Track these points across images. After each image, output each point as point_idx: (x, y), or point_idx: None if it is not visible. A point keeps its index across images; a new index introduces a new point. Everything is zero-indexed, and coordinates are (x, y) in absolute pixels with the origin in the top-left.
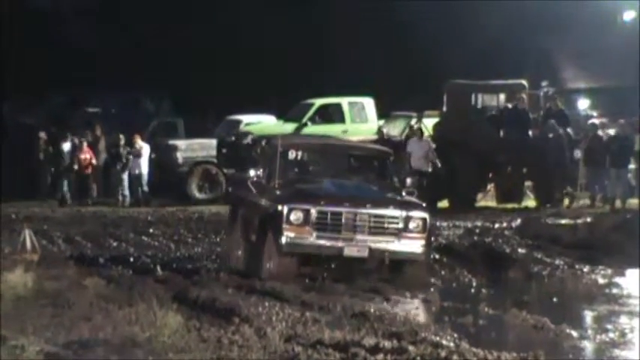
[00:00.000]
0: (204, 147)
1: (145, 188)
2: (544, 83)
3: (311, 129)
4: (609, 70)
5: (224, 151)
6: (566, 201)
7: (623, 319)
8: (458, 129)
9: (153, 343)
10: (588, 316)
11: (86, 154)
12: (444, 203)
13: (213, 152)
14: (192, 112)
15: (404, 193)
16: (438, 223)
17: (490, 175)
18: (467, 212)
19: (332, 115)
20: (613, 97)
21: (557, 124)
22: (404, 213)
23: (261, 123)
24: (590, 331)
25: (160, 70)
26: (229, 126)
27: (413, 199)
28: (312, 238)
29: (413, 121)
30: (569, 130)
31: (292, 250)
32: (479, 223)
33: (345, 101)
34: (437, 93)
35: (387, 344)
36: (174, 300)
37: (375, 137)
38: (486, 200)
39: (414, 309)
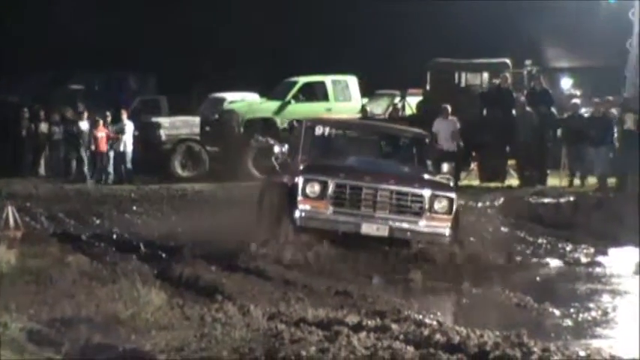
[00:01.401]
0: (187, 124)
1: (129, 166)
2: (528, 62)
3: (294, 107)
4: (594, 49)
5: (207, 128)
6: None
7: (605, 298)
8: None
9: (136, 321)
10: (571, 294)
11: (102, 132)
12: None
13: (197, 130)
14: (175, 90)
15: (439, 177)
16: None
17: (473, 154)
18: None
19: (316, 93)
20: (597, 76)
21: (541, 102)
22: (429, 192)
23: (244, 100)
24: (572, 310)
25: (145, 47)
26: (213, 103)
27: (439, 178)
28: (328, 213)
29: (396, 100)
30: (552, 109)
31: (307, 224)
32: (462, 202)
33: (328, 79)
34: (420, 71)
35: (370, 322)
36: (157, 277)
37: (358, 115)
38: (470, 179)
39: (397, 287)
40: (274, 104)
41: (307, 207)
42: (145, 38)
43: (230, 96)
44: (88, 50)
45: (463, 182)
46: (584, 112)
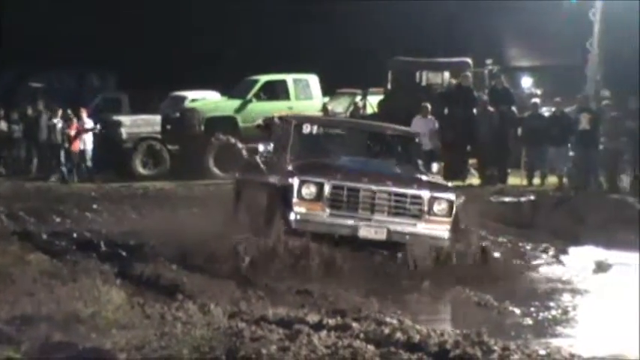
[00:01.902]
0: (148, 123)
1: (89, 164)
2: (489, 61)
3: (255, 105)
4: (554, 49)
5: (168, 127)
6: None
7: (566, 297)
8: (402, 106)
9: (96, 319)
10: (531, 293)
11: (72, 130)
12: None
13: (158, 128)
14: (137, 88)
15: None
16: None
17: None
18: None
19: (277, 91)
20: (557, 75)
21: (502, 101)
22: (428, 193)
23: (205, 99)
24: (532, 309)
25: (106, 44)
26: (174, 102)
27: (439, 179)
28: (324, 216)
29: (357, 99)
30: (513, 108)
31: (302, 227)
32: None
33: (290, 78)
34: (382, 70)
35: (330, 321)
36: (118, 276)
37: (320, 114)
38: None
39: (357, 286)
40: (235, 103)
41: (302, 209)
42: (106, 35)
43: (191, 94)
44: (51, 48)
45: None
46: (545, 111)
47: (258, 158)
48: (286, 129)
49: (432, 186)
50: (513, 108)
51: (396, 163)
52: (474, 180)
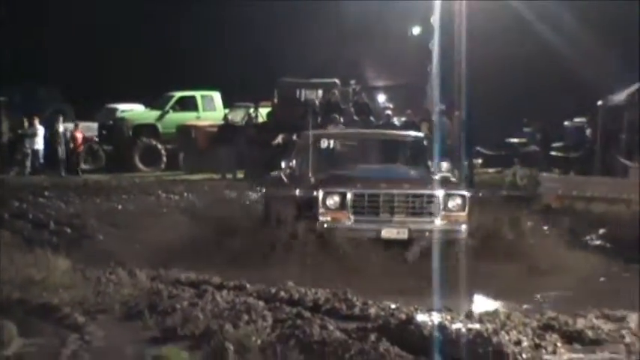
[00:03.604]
0: (89, 129)
1: (41, 161)
2: (352, 81)
3: (172, 116)
4: (403, 71)
5: (104, 132)
6: None
7: None
8: (286, 116)
9: (46, 282)
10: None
11: (79, 134)
12: (274, 173)
13: (96, 133)
14: (78, 100)
15: (439, 175)
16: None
17: None
18: None
19: (188, 104)
20: (405, 92)
21: (363, 113)
22: (442, 191)
23: (133, 110)
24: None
25: (52, 62)
26: (108, 112)
27: (450, 177)
28: (349, 222)
29: (251, 110)
30: (371, 118)
31: (329, 235)
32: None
33: (198, 94)
34: (270, 88)
35: (230, 283)
36: (64, 248)
37: (222, 122)
38: None
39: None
40: (156, 113)
41: (329, 218)
42: (52, 54)
43: (121, 106)
44: (11, 64)
45: None
46: (395, 120)
47: (282, 174)
48: (304, 145)
49: (446, 185)
50: (372, 118)
51: (409, 167)
52: None
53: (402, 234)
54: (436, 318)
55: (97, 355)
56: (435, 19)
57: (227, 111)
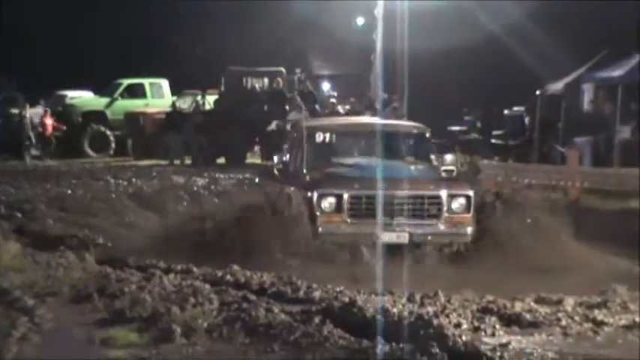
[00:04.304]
0: (38, 115)
1: None
2: (297, 70)
3: (121, 103)
4: (347, 60)
5: (54, 118)
6: None
7: None
8: (233, 104)
9: None
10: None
11: (48, 120)
12: (221, 160)
13: (38, 119)
14: (28, 87)
15: (442, 170)
16: (217, 175)
17: (257, 139)
18: (239, 167)
19: (137, 92)
20: (349, 81)
21: (308, 101)
22: (445, 192)
23: (82, 97)
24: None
25: (3, 49)
26: (57, 99)
27: (454, 176)
28: (345, 225)
29: (199, 98)
30: (317, 106)
31: (325, 239)
32: (248, 175)
33: (147, 82)
34: (217, 76)
35: (178, 267)
36: (14, 232)
37: (169, 109)
38: (254, 158)
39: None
40: (105, 100)
41: (324, 221)
42: (0, 41)
43: (71, 93)
44: None
45: (249, 160)
46: (340, 108)
47: (274, 170)
48: (299, 137)
49: (449, 184)
50: (317, 106)
51: (410, 161)
52: None
53: (403, 238)
54: (379, 301)
55: (47, 337)
56: (379, 10)
57: (175, 98)
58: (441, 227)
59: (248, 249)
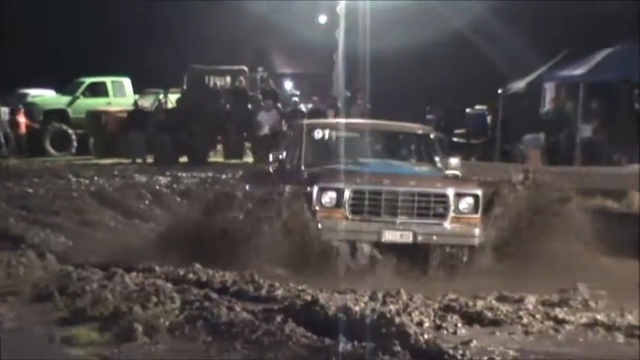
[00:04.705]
0: (6, 114)
1: None
2: (260, 69)
3: (82, 101)
4: (309, 59)
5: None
6: None
7: None
8: (195, 102)
9: None
10: None
11: (22, 118)
12: (184, 159)
13: (7, 117)
14: None
15: (447, 173)
16: (179, 174)
17: (219, 137)
18: (202, 166)
19: (99, 90)
20: (311, 80)
21: (270, 100)
22: (452, 190)
23: (43, 96)
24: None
25: None
26: (19, 97)
27: (459, 175)
28: (346, 222)
29: (161, 96)
30: (279, 104)
31: (326, 236)
32: (210, 174)
33: (109, 80)
34: (179, 74)
35: (139, 266)
36: None
37: (132, 108)
38: (216, 157)
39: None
40: (67, 99)
41: (324, 217)
42: None
43: (32, 92)
44: None
45: (211, 159)
46: (302, 107)
47: (270, 167)
48: (298, 136)
49: (456, 182)
50: (279, 104)
51: (414, 162)
52: (249, 159)
53: (406, 237)
54: (341, 299)
55: (8, 335)
56: (341, 9)
57: (137, 97)
58: (447, 227)
59: (227, 248)
